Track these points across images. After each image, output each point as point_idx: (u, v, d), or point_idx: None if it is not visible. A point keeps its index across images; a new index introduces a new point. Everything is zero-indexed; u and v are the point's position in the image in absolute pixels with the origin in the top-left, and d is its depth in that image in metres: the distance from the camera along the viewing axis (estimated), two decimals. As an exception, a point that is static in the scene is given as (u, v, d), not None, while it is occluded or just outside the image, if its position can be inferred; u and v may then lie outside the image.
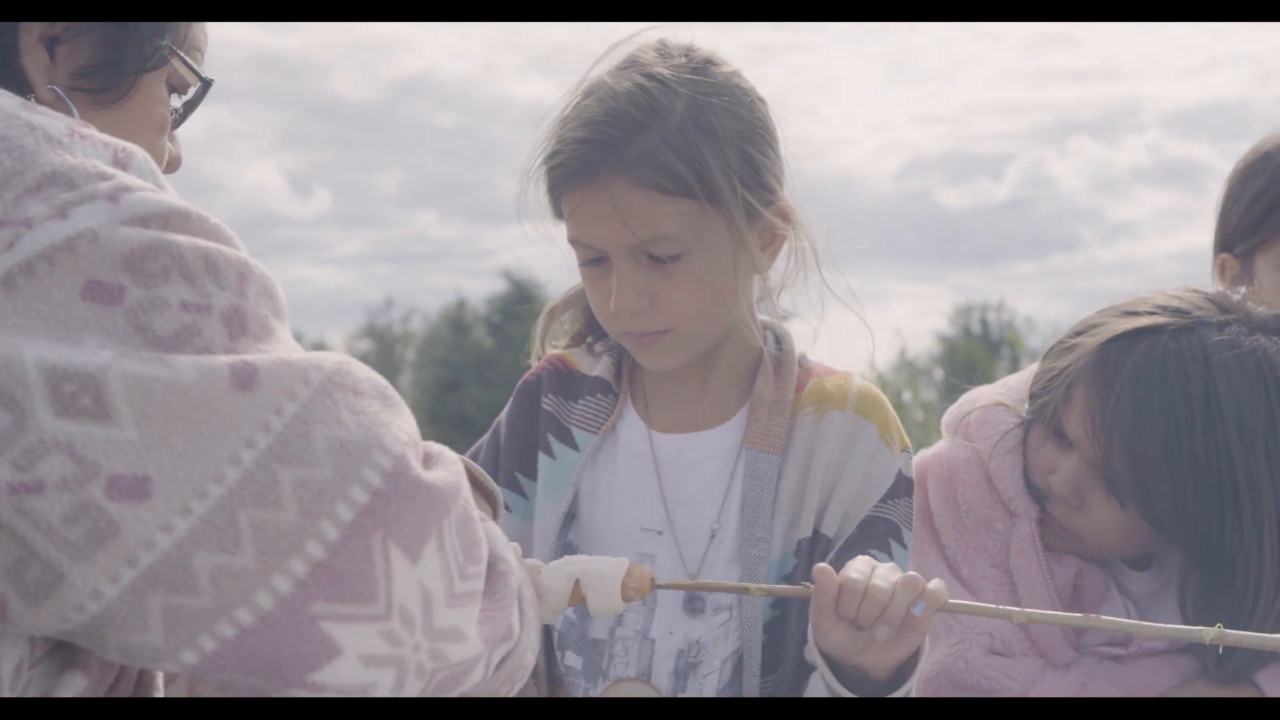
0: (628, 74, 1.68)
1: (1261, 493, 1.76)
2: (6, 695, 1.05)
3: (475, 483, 1.29)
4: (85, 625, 1.03)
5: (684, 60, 1.68)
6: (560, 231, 1.74)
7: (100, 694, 1.11)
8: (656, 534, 1.75)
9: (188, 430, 1.03)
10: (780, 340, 1.81)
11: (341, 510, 1.06)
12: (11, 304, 1.02)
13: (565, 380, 1.83)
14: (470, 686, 1.17)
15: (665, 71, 1.66)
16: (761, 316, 1.80)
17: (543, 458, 1.80)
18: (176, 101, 1.35)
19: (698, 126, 1.63)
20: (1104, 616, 1.59)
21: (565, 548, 1.75)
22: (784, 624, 1.70)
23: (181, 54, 1.30)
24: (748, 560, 1.69)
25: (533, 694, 1.73)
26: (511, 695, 1.28)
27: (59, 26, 1.22)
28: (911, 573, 1.52)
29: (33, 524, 1.00)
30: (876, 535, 1.71)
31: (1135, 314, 1.85)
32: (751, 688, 1.68)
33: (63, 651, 1.09)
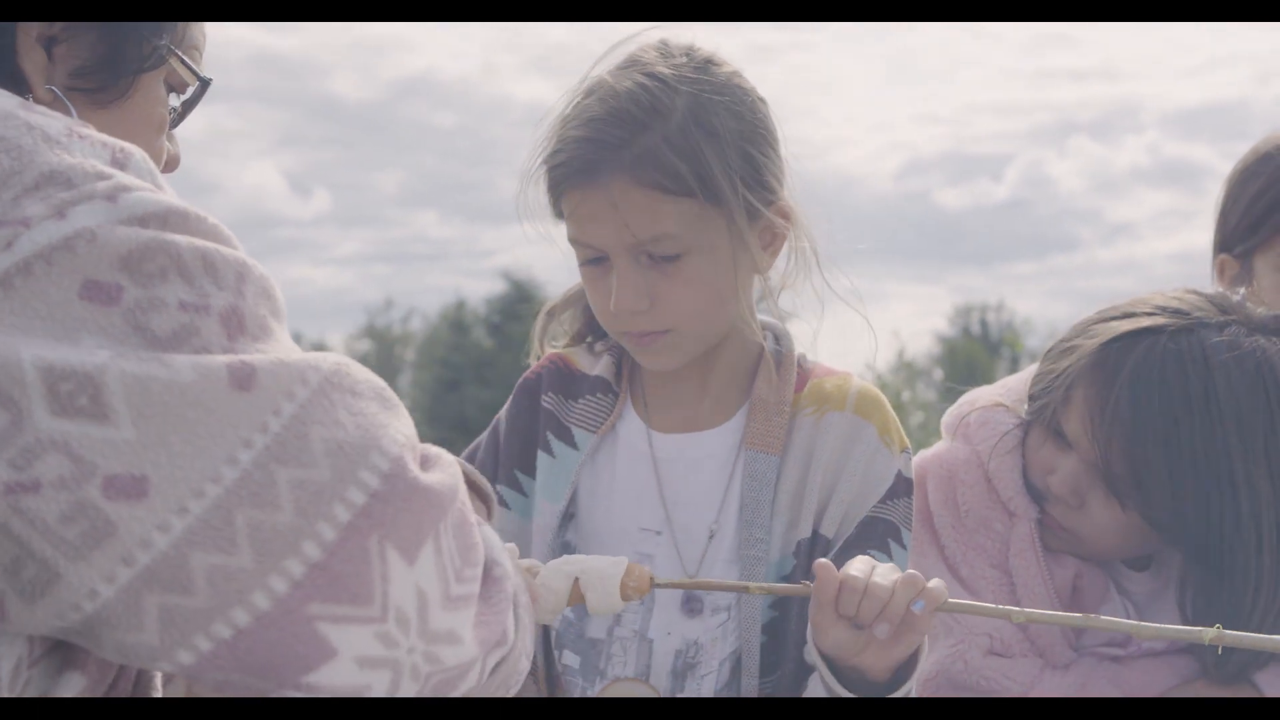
0: (629, 73, 1.67)
1: (1261, 493, 1.76)
2: (6, 695, 1.05)
3: (470, 485, 1.28)
4: (82, 624, 1.03)
5: (685, 60, 1.68)
6: (560, 231, 1.74)
7: (99, 694, 1.11)
8: (655, 534, 1.74)
9: (185, 430, 1.03)
10: (780, 340, 1.81)
11: (338, 511, 1.06)
12: (9, 303, 1.02)
13: (565, 379, 1.83)
14: (465, 691, 1.17)
15: (666, 71, 1.66)
16: (761, 317, 1.80)
17: (542, 456, 1.80)
18: (175, 101, 1.35)
19: (699, 126, 1.63)
20: (1103, 616, 1.59)
21: (564, 547, 1.75)
22: (783, 624, 1.70)
23: (180, 54, 1.30)
24: (746, 561, 1.69)
25: (532, 693, 1.72)
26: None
27: (57, 26, 1.22)
28: (911, 571, 1.52)
29: (29, 523, 1.00)
30: (876, 536, 1.71)
31: (1134, 315, 1.85)
32: (750, 688, 1.68)
33: (62, 651, 1.09)
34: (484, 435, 1.87)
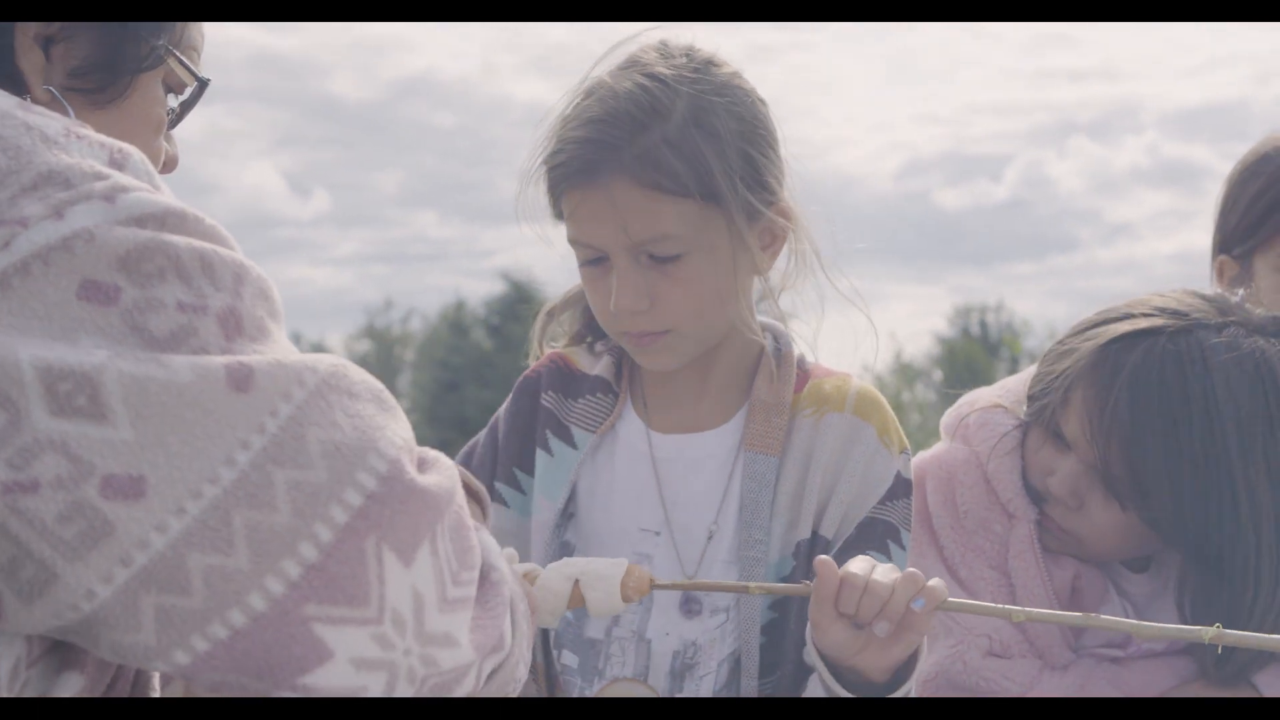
0: (629, 74, 1.68)
1: (1260, 494, 1.76)
2: (4, 695, 1.05)
3: (465, 490, 1.28)
4: (79, 624, 1.03)
5: (685, 60, 1.68)
6: (560, 232, 1.73)
7: (98, 694, 1.11)
8: (654, 534, 1.74)
9: (183, 430, 1.03)
10: (780, 341, 1.81)
11: (335, 513, 1.06)
12: (7, 303, 1.02)
13: (565, 378, 1.83)
14: (461, 695, 1.17)
15: (666, 71, 1.66)
16: (761, 317, 1.80)
17: (540, 454, 1.80)
18: (173, 101, 1.35)
19: (699, 126, 1.63)
20: (1104, 616, 1.59)
21: (563, 546, 1.75)
22: (783, 625, 1.70)
23: (178, 54, 1.30)
24: (745, 562, 1.69)
25: (533, 692, 1.72)
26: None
27: (55, 26, 1.22)
28: (911, 569, 1.52)
29: (27, 523, 1.00)
30: (875, 537, 1.71)
31: (1133, 316, 1.85)
32: (749, 689, 1.68)
33: (60, 651, 1.09)
34: (482, 433, 1.87)
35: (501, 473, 1.81)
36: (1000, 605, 1.62)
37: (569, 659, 1.74)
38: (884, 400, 1.79)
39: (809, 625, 1.57)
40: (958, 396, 2.07)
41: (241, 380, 1.05)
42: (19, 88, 1.20)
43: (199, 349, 1.06)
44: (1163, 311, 1.84)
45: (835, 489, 1.71)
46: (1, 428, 1.00)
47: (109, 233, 1.05)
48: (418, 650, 1.10)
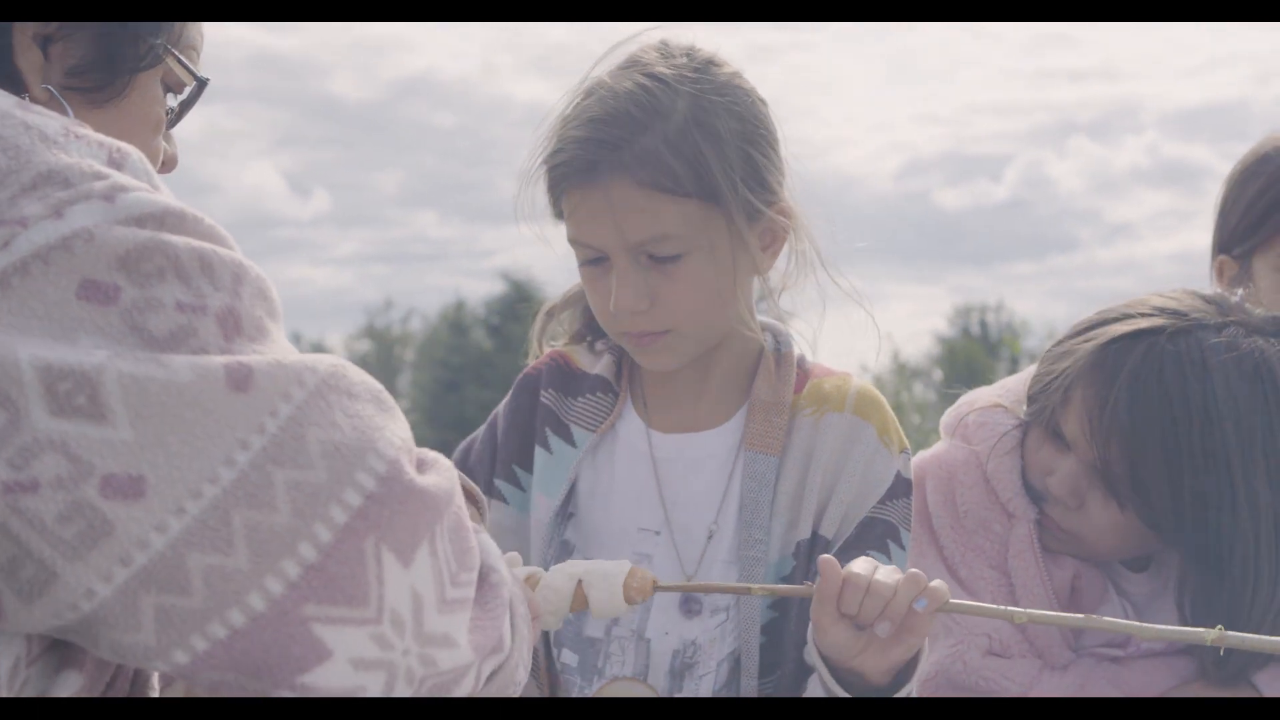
0: (629, 74, 1.67)
1: (1259, 494, 1.76)
2: (4, 694, 1.05)
3: (463, 492, 1.28)
4: (79, 624, 1.03)
5: (685, 60, 1.68)
6: (559, 232, 1.73)
7: (97, 693, 1.11)
8: (654, 534, 1.74)
9: (183, 430, 1.03)
10: (779, 341, 1.81)
11: (334, 513, 1.06)
12: (6, 303, 1.02)
13: (565, 376, 1.83)
14: (460, 696, 1.17)
15: (667, 71, 1.66)
16: (761, 317, 1.80)
17: (540, 451, 1.79)
18: (172, 101, 1.35)
19: (699, 126, 1.63)
20: (1104, 617, 1.59)
21: (562, 546, 1.75)
22: (783, 625, 1.70)
23: (177, 53, 1.30)
24: (745, 561, 1.69)
25: (533, 691, 1.72)
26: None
27: (53, 26, 1.21)
28: (914, 570, 1.52)
29: (27, 523, 1.00)
30: (875, 536, 1.71)
31: (1133, 316, 1.85)
32: (749, 689, 1.68)
33: (59, 650, 1.09)
34: (481, 429, 1.87)
35: (501, 469, 1.81)
36: (1002, 607, 1.62)
37: (568, 658, 1.74)
38: (884, 400, 1.79)
39: (810, 625, 1.57)
40: (957, 396, 2.07)
41: (241, 380, 1.05)
42: (17, 87, 1.20)
43: (198, 349, 1.06)
44: (1162, 311, 1.84)
45: (835, 489, 1.71)
46: (1, 427, 1.00)
47: (108, 232, 1.05)
48: (416, 650, 1.10)
